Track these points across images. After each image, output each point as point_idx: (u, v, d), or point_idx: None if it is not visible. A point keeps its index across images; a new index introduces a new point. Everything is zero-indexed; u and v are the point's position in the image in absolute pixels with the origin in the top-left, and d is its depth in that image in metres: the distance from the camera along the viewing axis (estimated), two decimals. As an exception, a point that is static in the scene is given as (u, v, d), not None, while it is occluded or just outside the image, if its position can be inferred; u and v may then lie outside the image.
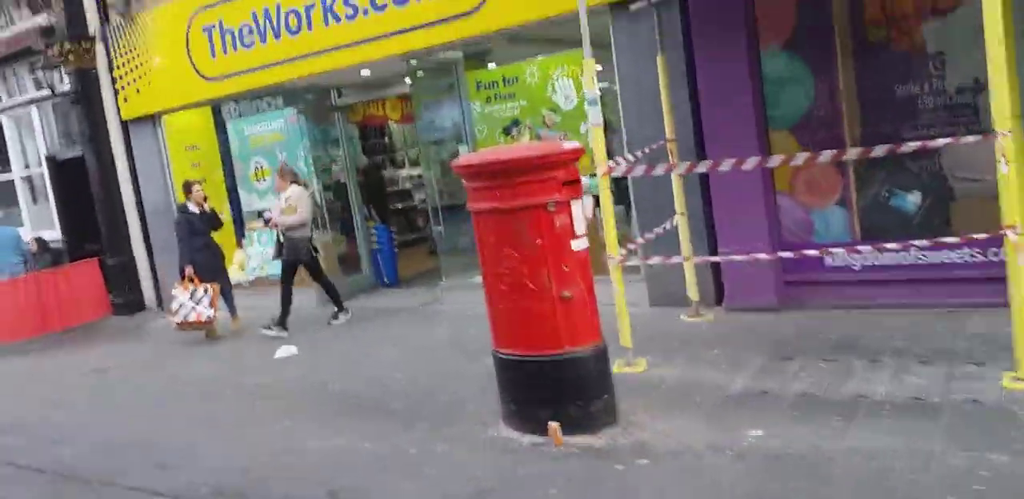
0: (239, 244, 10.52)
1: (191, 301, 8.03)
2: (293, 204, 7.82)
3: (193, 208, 8.30)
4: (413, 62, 8.22)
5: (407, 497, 3.84)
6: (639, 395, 4.55)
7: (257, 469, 4.40)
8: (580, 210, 4.18)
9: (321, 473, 4.21)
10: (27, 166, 12.31)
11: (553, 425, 4.04)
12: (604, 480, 3.65)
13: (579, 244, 4.13)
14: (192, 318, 8.02)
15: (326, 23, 8.13)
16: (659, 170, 5.05)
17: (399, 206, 12.56)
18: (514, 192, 4.03)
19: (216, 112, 10.24)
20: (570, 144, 4.34)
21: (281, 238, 7.94)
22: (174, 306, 8.10)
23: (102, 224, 10.86)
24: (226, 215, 10.41)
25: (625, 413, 4.27)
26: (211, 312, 8.02)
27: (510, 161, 4.09)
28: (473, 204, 4.24)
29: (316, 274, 8.20)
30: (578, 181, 4.18)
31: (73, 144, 11.40)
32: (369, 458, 4.32)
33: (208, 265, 8.24)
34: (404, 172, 13.15)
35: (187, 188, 8.36)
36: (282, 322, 7.79)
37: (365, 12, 7.82)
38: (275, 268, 9.56)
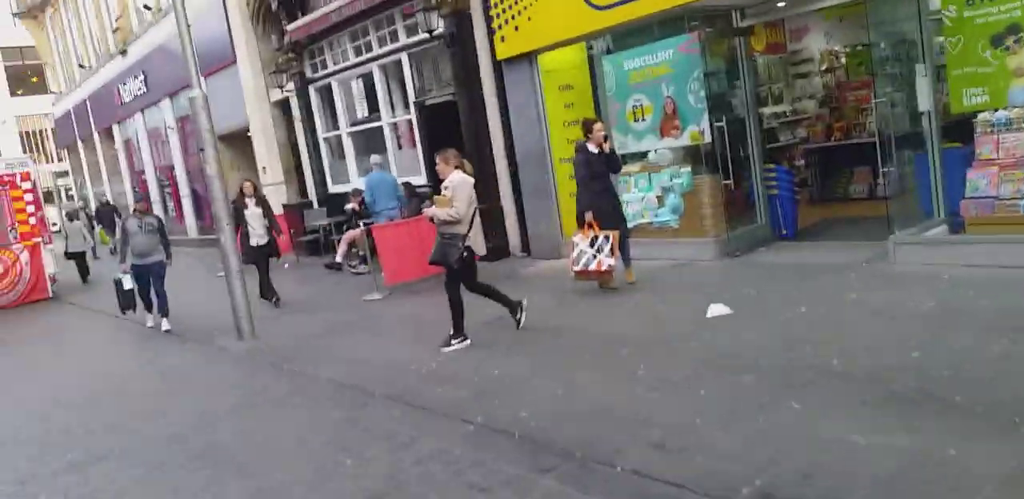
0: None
1: (591, 249, 7.35)
2: (449, 195, 6.30)
3: (593, 148, 7.53)
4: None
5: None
6: None
7: (803, 467, 3.40)
8: None
9: (911, 483, 3.11)
10: (393, 113, 12.54)
11: None
12: None
13: None
14: (593, 267, 7.34)
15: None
16: None
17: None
18: None
19: (590, 48, 9.47)
20: None
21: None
22: (573, 254, 7.46)
23: (475, 167, 10.66)
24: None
25: None
26: (612, 261, 7.29)
27: None
28: None
29: (468, 284, 6.62)
30: None
31: (442, 88, 11.31)
32: (979, 472, 3.13)
33: (608, 210, 7.49)
34: (767, 110, 11.62)
35: (587, 127, 7.61)
36: (458, 330, 6.47)
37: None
38: (663, 215, 8.74)
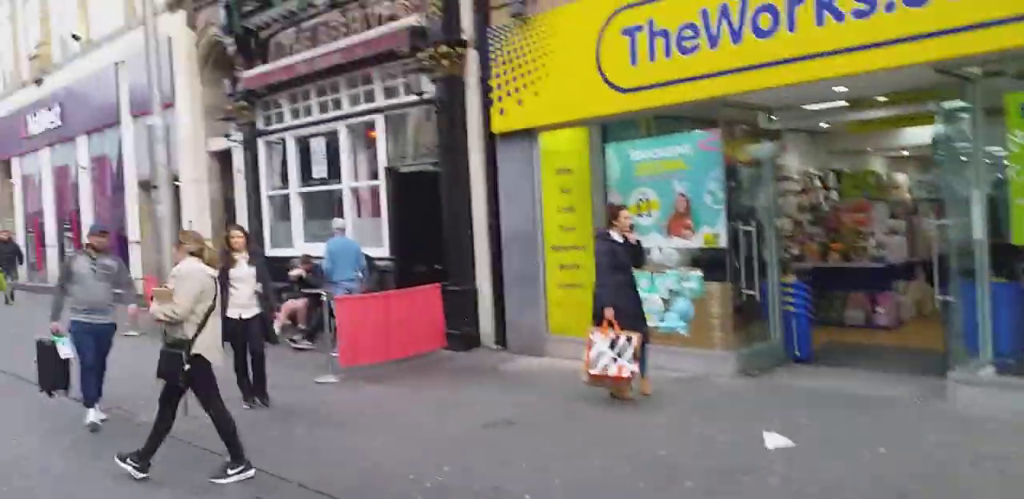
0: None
1: (612, 351, 6.45)
2: (172, 287, 5.16)
3: (617, 237, 6.76)
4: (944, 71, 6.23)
5: None
6: None
7: None
8: None
9: None
10: (357, 177, 11.54)
11: None
12: None
13: None
14: (612, 372, 6.43)
15: (819, 21, 6.45)
16: None
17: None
18: None
19: (594, 133, 8.86)
20: None
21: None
22: (590, 354, 6.54)
23: (448, 247, 9.74)
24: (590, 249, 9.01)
25: None
26: (635, 367, 6.41)
27: None
28: None
29: (203, 400, 5.31)
30: None
31: (420, 156, 10.45)
32: None
33: (630, 309, 6.67)
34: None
35: (613, 212, 6.86)
36: (238, 457, 5.23)
37: (889, 6, 6.06)
38: (669, 319, 7.97)
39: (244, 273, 7.17)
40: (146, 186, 15.83)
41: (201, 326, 5.18)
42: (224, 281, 6.43)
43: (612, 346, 6.48)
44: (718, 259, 7.77)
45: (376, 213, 11.29)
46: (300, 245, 12.27)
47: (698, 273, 7.85)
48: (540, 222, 8.93)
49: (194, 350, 5.15)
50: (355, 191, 11.56)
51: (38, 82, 19.93)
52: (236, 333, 6.96)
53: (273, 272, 12.03)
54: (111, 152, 17.11)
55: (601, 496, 4.56)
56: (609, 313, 6.55)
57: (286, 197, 12.69)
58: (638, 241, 6.91)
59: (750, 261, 7.85)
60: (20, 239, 20.85)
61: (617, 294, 6.62)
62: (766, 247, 8.00)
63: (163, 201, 7.14)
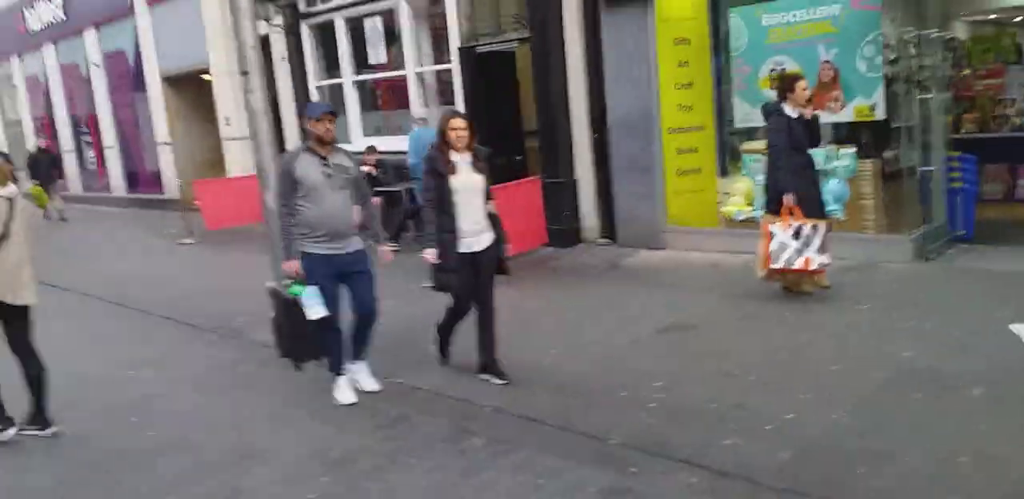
0: (721, 171, 8.19)
1: (796, 242, 5.69)
2: None
3: (791, 112, 5.85)
4: None
5: None
6: None
7: None
8: None
9: None
10: (422, 61, 10.41)
11: None
12: None
13: None
14: (797, 265, 5.69)
15: None
16: None
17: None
18: None
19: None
20: None
21: None
22: (770, 247, 5.77)
23: (541, 135, 8.81)
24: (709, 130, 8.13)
25: None
26: (824, 259, 5.68)
27: None
28: None
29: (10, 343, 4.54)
30: None
31: (499, 34, 9.32)
32: None
33: (811, 194, 5.85)
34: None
35: (787, 84, 5.88)
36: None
37: None
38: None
39: (471, 182, 4.67)
40: (172, 81, 14.70)
41: None
42: (442, 196, 4.62)
43: (796, 236, 5.72)
44: (873, 133, 6.93)
45: (446, 101, 10.27)
46: (359, 141, 11.28)
47: (851, 150, 7.02)
48: (656, 102, 7.95)
49: None
50: (420, 77, 10.46)
51: (33, -30, 18.18)
52: (465, 274, 4.69)
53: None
54: (126, 45, 15.73)
55: (884, 413, 3.89)
56: (790, 199, 5.73)
57: (339, 87, 11.57)
58: (815, 116, 5.98)
59: (910, 133, 7.01)
60: (68, 145, 18.90)
61: (797, 178, 5.78)
62: (929, 118, 7.11)
63: (255, 90, 6.13)
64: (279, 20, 11.76)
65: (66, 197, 16.56)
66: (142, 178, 16.76)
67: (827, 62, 7.01)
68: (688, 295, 6.35)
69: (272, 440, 4.30)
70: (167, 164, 15.30)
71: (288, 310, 4.67)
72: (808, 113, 5.89)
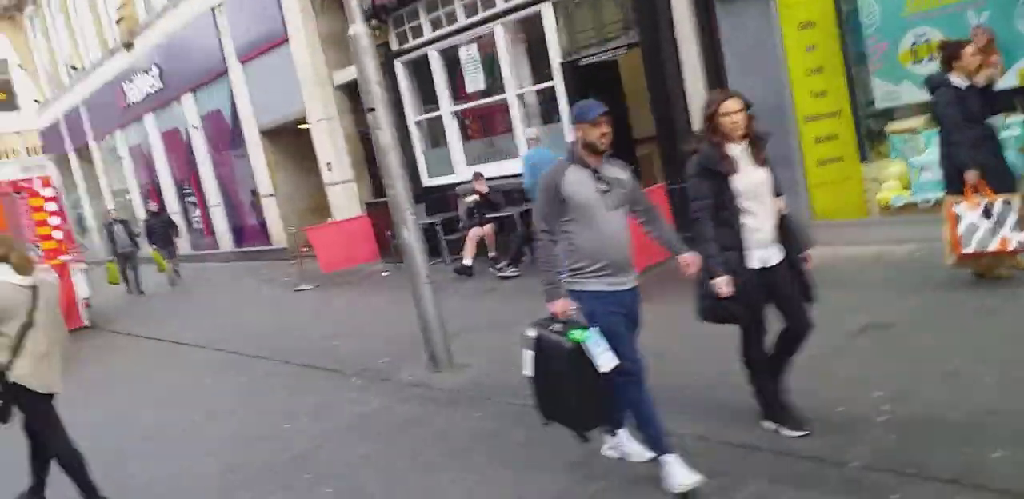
0: (861, 157, 7.54)
1: (989, 221, 5.05)
2: None
3: (959, 82, 5.24)
4: None
5: None
6: None
7: None
8: None
9: None
10: (521, 83, 10.15)
11: None
12: None
13: None
14: (993, 246, 5.05)
15: None
16: None
17: None
18: None
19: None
20: None
21: None
22: (958, 230, 5.15)
23: (659, 139, 8.38)
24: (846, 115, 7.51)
25: None
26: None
27: None
28: None
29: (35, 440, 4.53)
30: None
31: (602, 44, 8.97)
32: None
33: (996, 166, 5.21)
34: None
35: (951, 52, 5.30)
36: None
37: None
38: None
39: (756, 181, 3.78)
40: (269, 133, 14.92)
41: (16, 348, 4.14)
42: (722, 199, 3.72)
43: (986, 215, 5.08)
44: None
45: (548, 119, 9.96)
46: (462, 170, 11.08)
47: (1021, 118, 6.32)
48: (788, 91, 7.42)
49: (11, 378, 4.13)
50: (520, 98, 10.19)
51: (128, 46, 18.94)
52: (753, 293, 3.73)
53: (438, 204, 11.15)
54: (222, 104, 16.11)
55: None
56: (973, 175, 5.10)
57: (437, 119, 11.43)
58: (991, 81, 5.35)
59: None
60: (174, 207, 19.20)
61: (977, 151, 5.15)
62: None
63: (383, 127, 5.93)
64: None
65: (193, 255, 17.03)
66: (247, 231, 17.04)
67: (979, 27, 6.36)
68: (866, 292, 5.73)
69: (460, 488, 3.93)
70: (272, 215, 15.49)
71: (574, 363, 3.43)
72: (979, 80, 5.26)
